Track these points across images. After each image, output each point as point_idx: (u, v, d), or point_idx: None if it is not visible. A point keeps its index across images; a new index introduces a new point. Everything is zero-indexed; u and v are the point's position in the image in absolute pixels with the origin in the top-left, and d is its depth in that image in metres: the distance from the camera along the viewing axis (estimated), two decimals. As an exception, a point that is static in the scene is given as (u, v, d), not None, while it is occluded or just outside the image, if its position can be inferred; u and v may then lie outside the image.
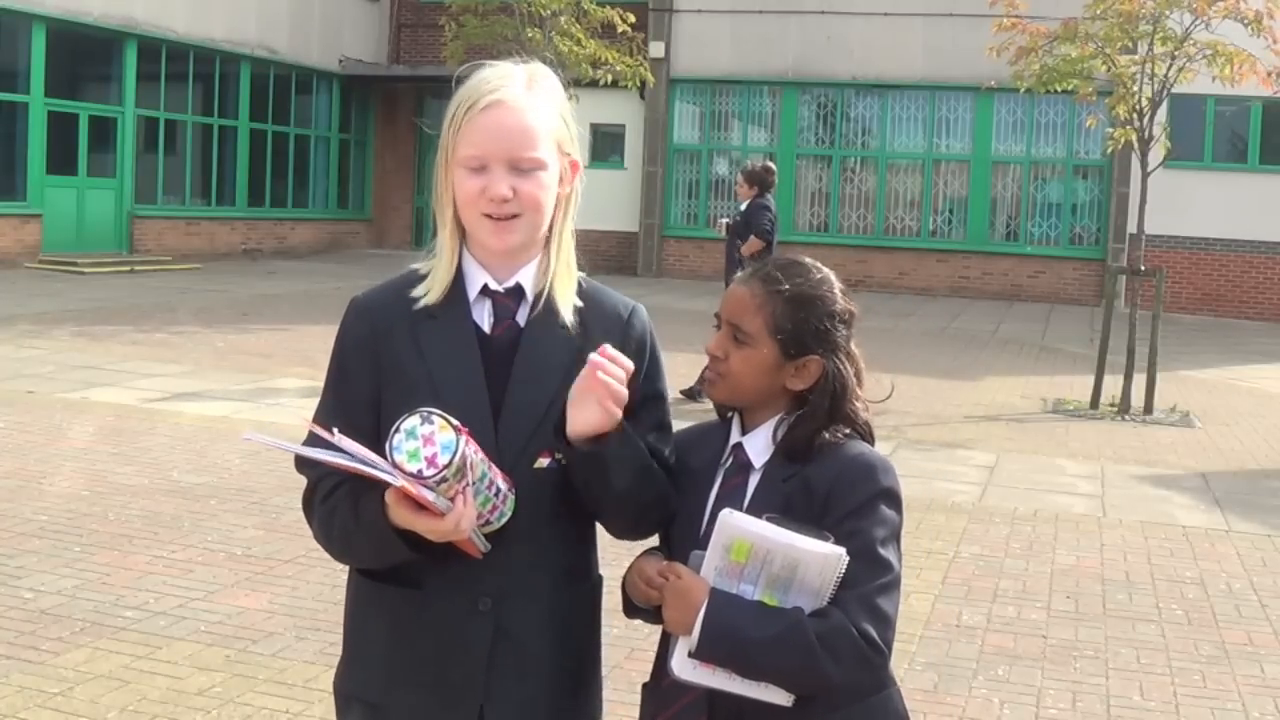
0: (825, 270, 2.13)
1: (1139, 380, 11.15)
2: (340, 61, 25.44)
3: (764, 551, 1.91)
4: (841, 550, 1.91)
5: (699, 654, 1.92)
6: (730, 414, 2.15)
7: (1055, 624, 5.49)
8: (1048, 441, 9.80)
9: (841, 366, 2.07)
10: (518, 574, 2.00)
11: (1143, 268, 11.61)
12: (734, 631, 1.90)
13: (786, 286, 2.06)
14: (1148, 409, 11.09)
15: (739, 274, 2.16)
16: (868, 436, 2.10)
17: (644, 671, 2.24)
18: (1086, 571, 6.32)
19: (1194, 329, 19.18)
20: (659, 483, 2.06)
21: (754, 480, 2.06)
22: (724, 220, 11.32)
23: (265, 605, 5.14)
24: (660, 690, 2.08)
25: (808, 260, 2.14)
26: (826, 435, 2.04)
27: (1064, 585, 6.06)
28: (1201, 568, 6.49)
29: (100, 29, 20.11)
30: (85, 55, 20.61)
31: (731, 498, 2.04)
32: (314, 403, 2.09)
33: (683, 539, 2.06)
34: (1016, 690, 4.72)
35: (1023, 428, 10.37)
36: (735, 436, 2.11)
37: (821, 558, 1.91)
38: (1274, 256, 21.48)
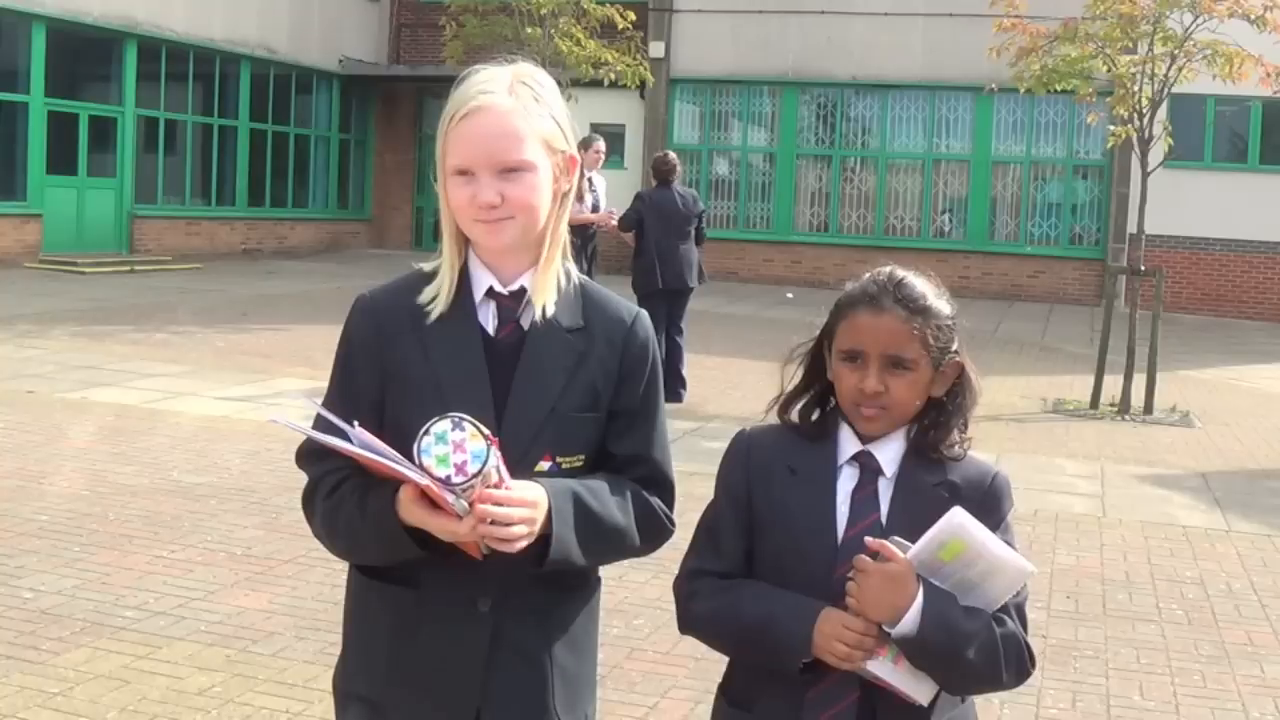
0: (908, 270, 2.10)
1: (1139, 380, 11.14)
2: (340, 61, 25.43)
3: (973, 555, 1.91)
4: (1033, 568, 1.95)
5: (919, 636, 1.90)
6: (820, 419, 2.12)
7: (1055, 624, 5.48)
8: (1048, 441, 9.80)
9: (968, 360, 2.10)
10: (517, 576, 2.00)
11: (1143, 268, 11.60)
12: (951, 623, 1.92)
13: (922, 302, 2.04)
14: (1148, 409, 11.08)
15: (865, 300, 2.05)
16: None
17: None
18: (1086, 571, 6.32)
19: (1194, 329, 19.17)
20: (632, 524, 2.05)
21: (885, 487, 2.04)
22: (612, 210, 11.90)
23: (265, 605, 5.14)
24: (790, 705, 2.02)
25: (896, 267, 2.09)
26: (963, 433, 2.07)
27: (1064, 585, 6.06)
28: (1201, 568, 6.49)
29: (100, 29, 20.09)
30: (85, 55, 20.59)
31: (866, 505, 2.03)
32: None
33: (815, 547, 2.02)
34: (1016, 690, 4.71)
35: (1023, 428, 10.36)
36: (852, 444, 2.07)
37: (1017, 572, 1.94)
38: (1274, 256, 21.48)
